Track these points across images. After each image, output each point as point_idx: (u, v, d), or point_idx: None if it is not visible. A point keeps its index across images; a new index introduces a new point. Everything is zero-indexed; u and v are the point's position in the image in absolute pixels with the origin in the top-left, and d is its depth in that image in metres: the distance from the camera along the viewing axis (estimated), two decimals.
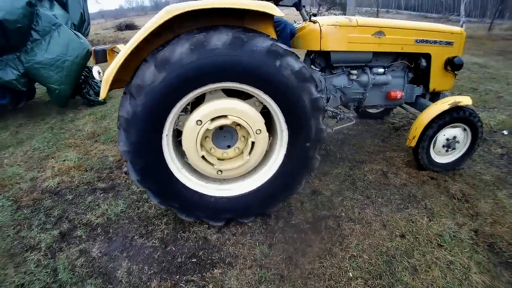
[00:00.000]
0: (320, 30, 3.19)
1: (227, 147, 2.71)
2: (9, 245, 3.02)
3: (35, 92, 7.70)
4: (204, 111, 2.47)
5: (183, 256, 2.73)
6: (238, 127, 2.61)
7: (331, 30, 3.20)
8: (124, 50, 2.23)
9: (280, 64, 2.30)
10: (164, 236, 2.95)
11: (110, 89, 2.36)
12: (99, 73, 3.96)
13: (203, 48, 2.19)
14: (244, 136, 2.66)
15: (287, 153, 2.65)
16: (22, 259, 2.83)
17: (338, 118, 3.66)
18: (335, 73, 3.55)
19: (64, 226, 3.19)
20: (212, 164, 2.66)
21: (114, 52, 2.98)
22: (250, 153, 2.65)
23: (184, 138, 2.54)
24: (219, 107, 2.47)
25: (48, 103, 7.40)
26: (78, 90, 6.92)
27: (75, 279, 2.59)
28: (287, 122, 2.54)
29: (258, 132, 2.55)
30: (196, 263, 2.65)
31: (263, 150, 2.67)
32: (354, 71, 3.53)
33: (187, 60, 2.20)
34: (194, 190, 2.69)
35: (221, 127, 2.63)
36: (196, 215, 2.79)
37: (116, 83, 2.37)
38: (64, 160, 4.54)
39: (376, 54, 3.52)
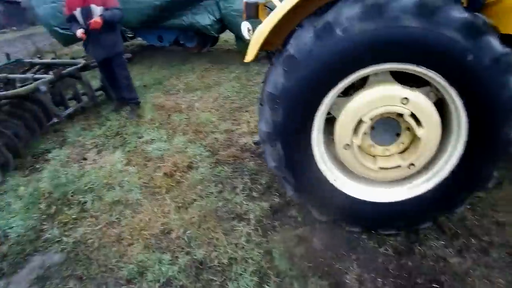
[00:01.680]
0: None
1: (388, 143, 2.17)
2: (214, 205, 2.85)
3: (217, 40, 7.94)
4: (371, 96, 1.98)
5: (422, 277, 2.11)
6: (401, 118, 2.06)
7: None
8: (280, 8, 1.90)
9: (478, 45, 1.71)
10: (398, 245, 2.32)
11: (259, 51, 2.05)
12: (248, 30, 3.33)
13: (380, 14, 1.71)
14: (408, 128, 2.10)
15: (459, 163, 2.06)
16: (230, 227, 2.59)
17: None
18: None
19: (275, 200, 2.83)
20: (372, 162, 2.16)
21: (267, 8, 2.65)
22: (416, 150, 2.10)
23: (341, 127, 2.06)
24: (391, 94, 1.96)
25: (229, 52, 7.53)
26: None
27: (295, 271, 2.18)
28: (470, 123, 1.94)
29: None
30: None
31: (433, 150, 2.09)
32: None
33: (357, 29, 1.75)
34: (347, 194, 2.24)
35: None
36: (361, 224, 2.35)
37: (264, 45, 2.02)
38: None
39: None
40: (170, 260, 2.37)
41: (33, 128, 4.07)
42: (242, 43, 6.09)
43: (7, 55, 6.00)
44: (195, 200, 2.97)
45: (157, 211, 2.90)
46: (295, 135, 2.06)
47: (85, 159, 3.84)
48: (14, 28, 18.49)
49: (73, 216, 3.00)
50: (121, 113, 4.77)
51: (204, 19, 6.02)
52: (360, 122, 2.01)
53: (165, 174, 3.45)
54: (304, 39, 1.85)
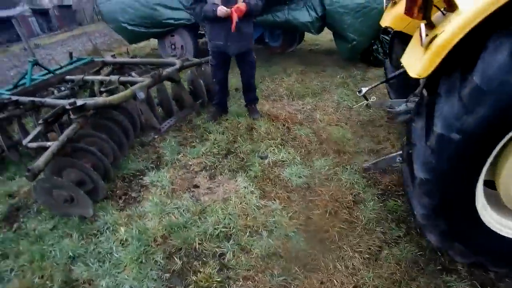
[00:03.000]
0: None
1: None
2: (409, 254, 2.04)
3: (302, 39, 7.00)
4: None
5: None
6: None
7: None
8: (474, 13, 1.38)
9: None
10: None
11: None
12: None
13: None
14: None
15: None
16: (442, 284, 1.90)
17: None
18: None
19: None
20: None
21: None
22: None
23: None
24: None
25: (315, 53, 6.56)
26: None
27: None
28: None
29: None
30: None
31: None
32: None
33: None
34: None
35: None
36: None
37: None
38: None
39: None
40: None
41: (121, 143, 3.09)
42: (345, 43, 5.15)
43: (70, 54, 5.20)
44: (380, 247, 2.17)
45: (340, 266, 2.03)
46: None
47: (196, 186, 2.81)
48: (65, 29, 19.61)
49: (215, 277, 2.00)
50: (222, 123, 3.74)
51: (304, 15, 5.09)
52: None
53: (326, 212, 2.44)
54: (495, 64, 1.35)
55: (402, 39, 2.82)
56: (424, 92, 1.81)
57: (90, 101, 2.86)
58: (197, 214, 2.48)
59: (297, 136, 3.44)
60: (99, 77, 3.63)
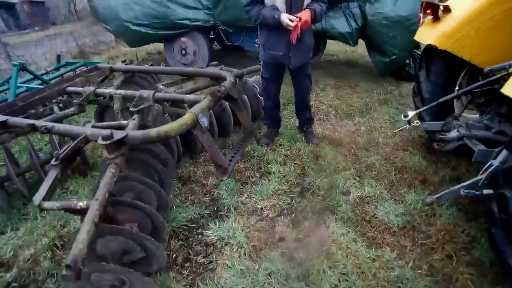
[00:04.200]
0: None
1: None
2: None
3: (324, 49, 6.71)
4: None
5: None
6: None
7: None
8: None
9: None
10: None
11: None
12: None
13: None
14: None
15: None
16: None
17: None
18: None
19: None
20: None
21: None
22: None
23: None
24: None
25: (336, 64, 6.32)
26: None
27: None
28: None
29: None
30: None
31: None
32: None
33: None
34: None
35: None
36: None
37: None
38: None
39: None
40: None
41: (163, 184, 2.43)
42: (383, 56, 4.97)
43: (58, 57, 4.66)
44: None
45: None
46: None
47: (282, 239, 2.38)
48: (36, 28, 18.09)
49: None
50: (277, 149, 3.39)
51: (343, 25, 4.79)
52: None
53: (448, 256, 2.19)
54: None
55: (444, 58, 2.77)
56: None
57: (134, 132, 1.93)
58: (302, 278, 2.07)
59: (370, 164, 3.15)
60: (121, 91, 2.66)
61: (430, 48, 2.88)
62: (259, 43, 5.32)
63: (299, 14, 2.61)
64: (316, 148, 3.34)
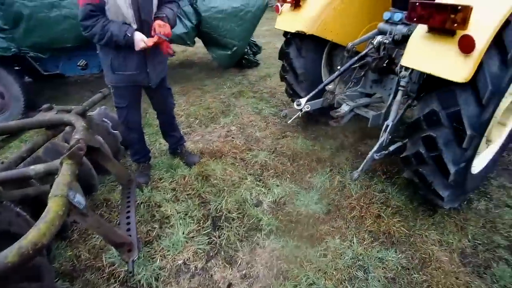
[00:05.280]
0: None
1: None
2: None
3: None
4: None
5: None
6: None
7: None
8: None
9: None
10: None
11: None
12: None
13: None
14: None
15: None
16: None
17: None
18: None
19: None
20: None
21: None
22: None
23: None
24: None
25: (178, 68, 5.90)
26: None
27: None
28: None
29: None
30: None
31: None
32: None
33: None
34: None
35: None
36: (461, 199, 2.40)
37: None
38: None
39: None
40: None
41: None
42: (225, 50, 4.91)
43: None
44: None
45: None
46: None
47: (230, 285, 1.98)
48: None
49: None
50: (159, 186, 2.83)
51: (178, 26, 4.33)
52: None
53: (377, 216, 2.33)
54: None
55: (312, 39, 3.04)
56: None
57: None
58: None
59: (262, 163, 3.02)
60: None
61: (294, 33, 3.07)
62: (81, 65, 4.35)
63: (156, 29, 2.16)
64: (201, 168, 2.97)
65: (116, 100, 2.53)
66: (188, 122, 3.94)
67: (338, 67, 2.75)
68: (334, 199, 2.56)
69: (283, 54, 3.38)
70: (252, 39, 5.72)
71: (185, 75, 5.58)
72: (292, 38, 3.23)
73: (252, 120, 3.85)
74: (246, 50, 5.55)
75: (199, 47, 6.00)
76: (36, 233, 1.15)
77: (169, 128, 2.97)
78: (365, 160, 2.36)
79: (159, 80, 2.54)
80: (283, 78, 3.49)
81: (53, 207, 1.26)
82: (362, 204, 2.49)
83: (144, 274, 2.02)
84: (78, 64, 4.28)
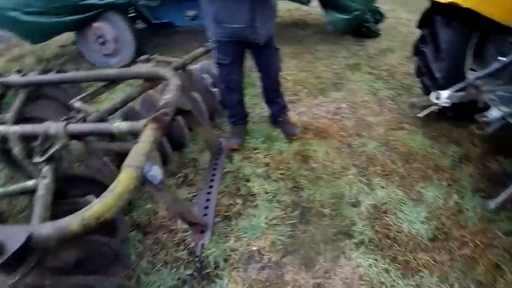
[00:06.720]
0: None
1: None
2: None
3: None
4: None
5: None
6: None
7: None
8: None
9: None
10: None
11: None
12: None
13: None
14: None
15: None
16: None
17: None
18: None
19: None
20: None
21: None
22: None
23: None
24: None
25: (291, 28, 5.56)
26: None
27: None
28: None
29: None
30: None
31: None
32: None
33: None
34: None
35: None
36: None
37: None
38: None
39: None
40: None
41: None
42: (343, 15, 4.44)
43: None
44: None
45: None
46: None
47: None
48: None
49: None
50: (252, 157, 2.73)
51: None
52: None
53: (493, 266, 1.85)
54: None
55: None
56: None
57: (43, 227, 1.05)
58: None
59: (370, 156, 2.67)
60: (17, 128, 1.78)
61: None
62: (189, 15, 4.44)
63: None
64: (301, 145, 2.77)
65: (218, 56, 2.42)
66: (294, 90, 3.71)
67: (499, 58, 2.14)
68: (445, 224, 2.10)
69: (425, 21, 2.79)
70: (375, 4, 5.01)
71: (297, 37, 5.24)
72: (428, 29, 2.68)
73: (365, 101, 3.42)
74: (367, 16, 4.89)
75: (314, 7, 5.47)
76: (101, 206, 1.09)
77: (273, 94, 2.80)
78: (507, 190, 1.84)
79: (267, 38, 2.31)
80: (417, 51, 2.91)
81: (123, 180, 1.19)
82: (478, 242, 1.97)
83: (214, 251, 1.96)
84: (187, 14, 4.35)
